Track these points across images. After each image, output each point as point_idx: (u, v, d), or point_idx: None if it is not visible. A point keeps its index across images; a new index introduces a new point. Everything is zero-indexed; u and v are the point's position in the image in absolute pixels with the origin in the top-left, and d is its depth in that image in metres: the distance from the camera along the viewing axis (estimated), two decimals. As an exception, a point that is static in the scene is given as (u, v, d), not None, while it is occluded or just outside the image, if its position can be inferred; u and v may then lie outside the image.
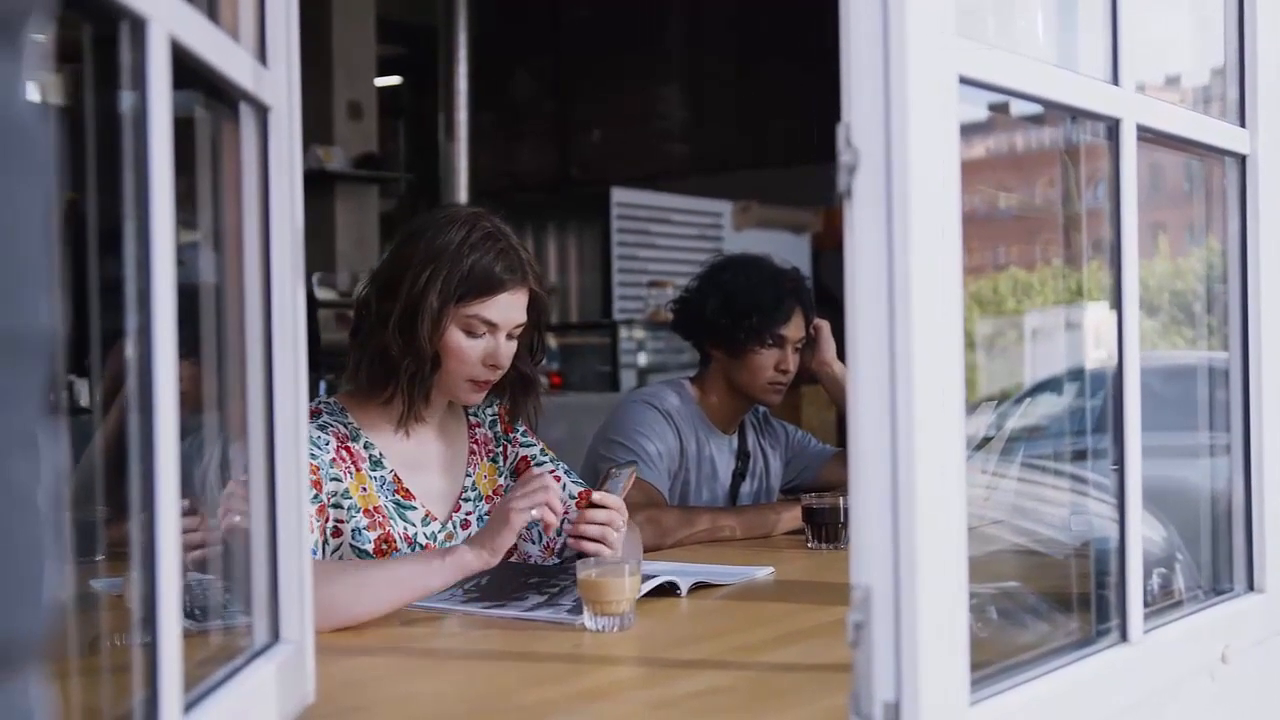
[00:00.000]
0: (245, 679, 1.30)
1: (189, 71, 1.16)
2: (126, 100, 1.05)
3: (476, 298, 2.26)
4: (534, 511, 2.05)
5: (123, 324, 1.07)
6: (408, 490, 2.32)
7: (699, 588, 2.27)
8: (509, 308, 2.29)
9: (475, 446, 2.47)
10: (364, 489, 2.26)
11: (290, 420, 1.43)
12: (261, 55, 1.40)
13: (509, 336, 2.31)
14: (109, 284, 1.07)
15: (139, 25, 1.03)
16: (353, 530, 2.23)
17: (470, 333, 2.27)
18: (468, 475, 2.43)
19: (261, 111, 1.40)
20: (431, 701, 1.67)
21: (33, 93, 0.63)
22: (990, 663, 1.38)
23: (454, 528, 2.37)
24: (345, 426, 2.30)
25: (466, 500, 2.42)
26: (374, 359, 2.28)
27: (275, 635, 1.42)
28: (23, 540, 0.60)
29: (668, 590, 2.19)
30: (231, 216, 1.40)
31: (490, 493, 2.45)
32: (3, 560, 0.59)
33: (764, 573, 2.45)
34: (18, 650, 0.60)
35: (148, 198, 1.04)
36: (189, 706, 1.13)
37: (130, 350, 1.05)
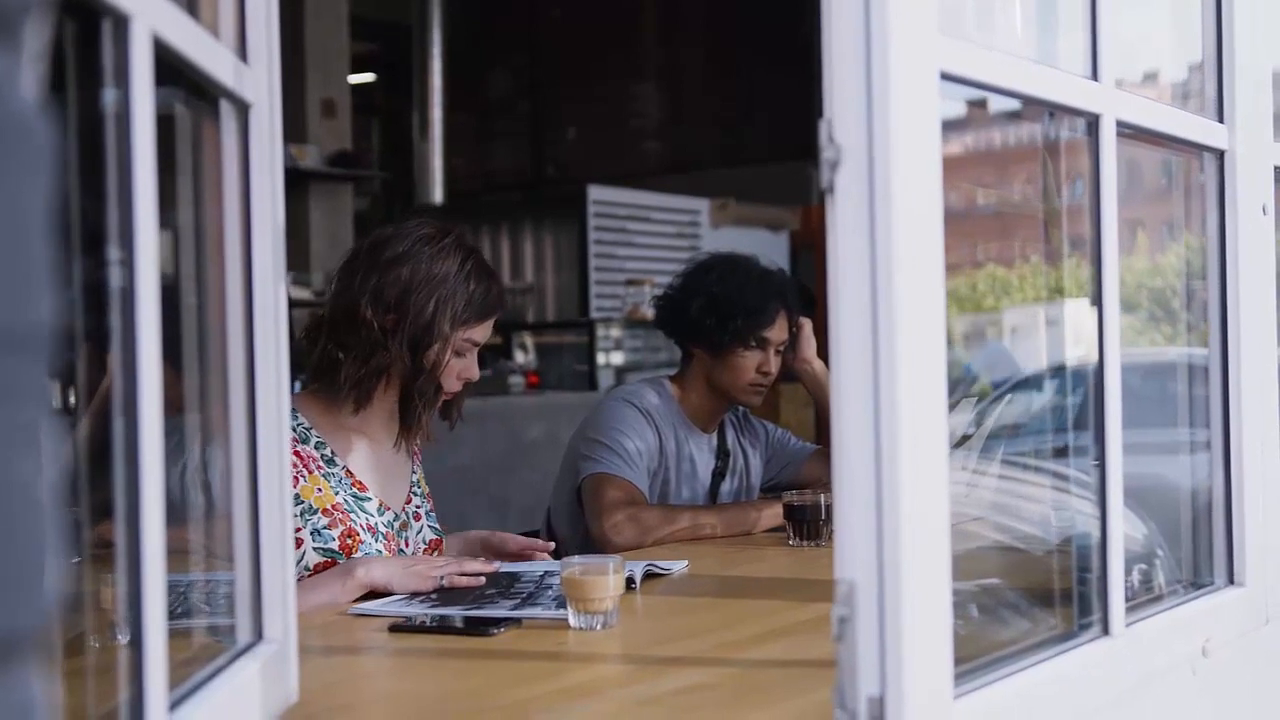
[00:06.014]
0: (229, 678, 1.30)
1: (169, 68, 1.15)
2: (108, 97, 1.04)
3: (476, 323, 2.41)
4: (444, 581, 2.21)
5: (100, 324, 1.06)
6: (361, 483, 2.41)
7: (649, 577, 2.33)
8: (490, 328, 2.47)
9: (415, 449, 2.59)
10: (319, 489, 2.34)
11: (273, 420, 1.43)
12: (242, 52, 1.39)
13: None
14: (87, 284, 1.07)
15: (121, 22, 1.02)
16: (312, 532, 2.30)
17: (458, 353, 2.41)
18: (414, 472, 2.56)
19: (242, 109, 1.39)
20: (415, 700, 1.67)
21: (31, 89, 0.63)
22: (974, 656, 1.38)
23: (408, 517, 2.50)
24: (294, 430, 2.34)
25: (416, 495, 2.54)
26: (374, 374, 2.37)
27: (258, 634, 1.42)
28: (26, 534, 0.60)
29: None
30: (212, 215, 1.39)
31: (426, 493, 2.60)
32: (6, 554, 0.59)
33: (679, 566, 2.47)
34: (20, 644, 0.60)
35: (131, 195, 1.04)
36: (173, 705, 1.13)
37: (113, 351, 1.05)
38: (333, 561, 2.29)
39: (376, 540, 2.36)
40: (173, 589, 1.28)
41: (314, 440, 2.38)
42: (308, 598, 2.09)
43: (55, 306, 0.63)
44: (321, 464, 2.36)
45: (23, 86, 0.61)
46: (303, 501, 2.30)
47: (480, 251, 2.48)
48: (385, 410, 2.44)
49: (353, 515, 2.35)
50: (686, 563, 2.49)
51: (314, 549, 2.29)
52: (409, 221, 2.45)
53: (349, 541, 2.32)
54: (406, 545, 2.45)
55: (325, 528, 2.31)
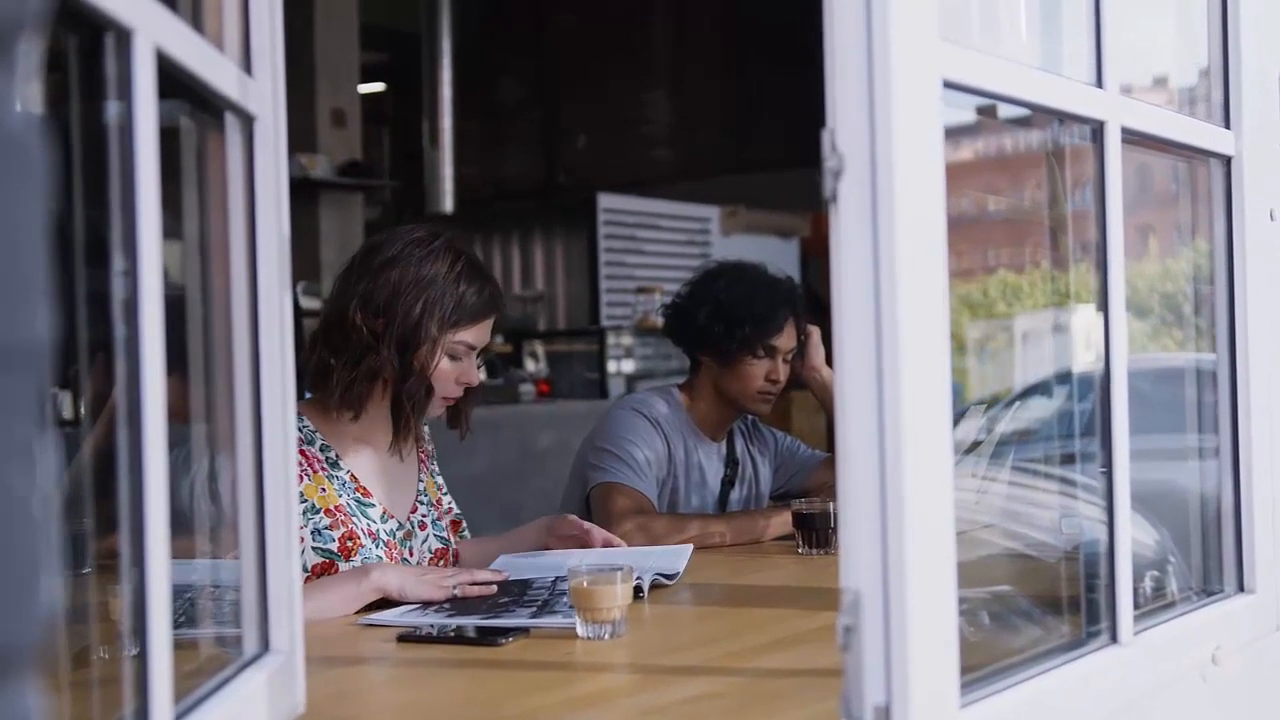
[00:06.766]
0: (235, 689, 1.30)
1: (174, 81, 1.15)
2: (112, 110, 1.05)
3: (467, 325, 2.40)
4: (456, 590, 2.20)
5: (109, 336, 1.06)
6: (365, 489, 2.42)
7: (657, 586, 2.32)
8: (487, 332, 2.46)
9: (423, 456, 2.59)
10: (323, 489, 2.35)
11: (279, 431, 1.43)
12: (246, 65, 1.40)
13: (478, 355, 2.47)
14: (94, 295, 1.07)
15: (124, 36, 1.03)
16: (313, 532, 2.31)
17: (453, 357, 2.41)
18: (420, 481, 2.56)
19: (247, 121, 1.39)
20: (423, 711, 1.67)
21: (27, 104, 0.63)
22: (981, 665, 1.38)
23: (413, 527, 2.49)
24: (300, 431, 2.35)
25: (422, 503, 2.54)
26: (365, 378, 2.36)
27: (265, 645, 1.42)
28: (20, 549, 0.61)
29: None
30: (217, 227, 1.40)
31: (434, 501, 2.58)
32: (1, 569, 0.59)
33: (686, 553, 2.52)
34: (16, 657, 0.61)
35: (134, 208, 1.04)
36: (179, 717, 1.13)
37: (118, 362, 1.05)
38: (331, 563, 2.29)
39: (377, 546, 2.36)
40: (179, 595, 1.29)
41: (319, 443, 2.38)
42: (320, 597, 2.09)
43: (52, 322, 0.64)
44: (326, 466, 2.37)
45: (17, 102, 0.62)
46: (306, 500, 2.30)
47: (474, 255, 2.47)
48: (385, 417, 2.44)
49: (354, 519, 2.36)
50: (690, 546, 2.55)
51: (313, 548, 2.30)
52: (402, 226, 2.46)
53: (349, 544, 2.32)
54: (411, 554, 2.45)
55: (326, 528, 2.31)
